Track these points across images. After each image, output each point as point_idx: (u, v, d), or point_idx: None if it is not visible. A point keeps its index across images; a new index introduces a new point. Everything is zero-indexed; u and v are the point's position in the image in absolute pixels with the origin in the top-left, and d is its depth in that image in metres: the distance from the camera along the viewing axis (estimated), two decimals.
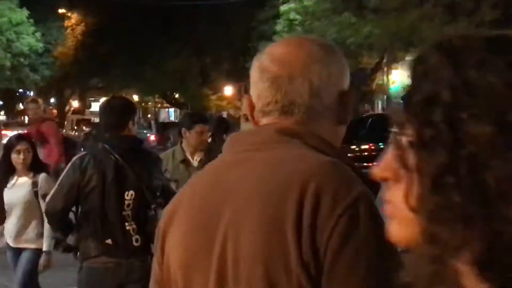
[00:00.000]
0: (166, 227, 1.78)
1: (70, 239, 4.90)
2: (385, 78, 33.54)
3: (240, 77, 41.78)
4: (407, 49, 30.55)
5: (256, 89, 1.80)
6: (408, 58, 31.68)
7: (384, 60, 32.34)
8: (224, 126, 7.68)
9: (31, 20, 38.61)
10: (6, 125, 49.87)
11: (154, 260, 1.80)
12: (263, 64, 1.78)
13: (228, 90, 45.04)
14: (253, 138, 1.74)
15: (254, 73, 1.81)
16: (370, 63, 32.87)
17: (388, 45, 29.79)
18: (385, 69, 32.94)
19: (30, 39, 39.28)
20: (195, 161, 6.07)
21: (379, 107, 39.13)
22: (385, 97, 35.98)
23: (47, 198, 4.73)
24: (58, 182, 4.73)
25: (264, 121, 1.77)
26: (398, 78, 35.00)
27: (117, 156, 4.70)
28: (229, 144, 1.80)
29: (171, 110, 61.02)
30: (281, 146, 1.68)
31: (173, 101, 51.92)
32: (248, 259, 1.57)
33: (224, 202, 1.65)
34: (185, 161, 6.06)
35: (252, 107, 1.82)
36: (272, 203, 1.57)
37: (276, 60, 1.76)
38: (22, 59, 39.06)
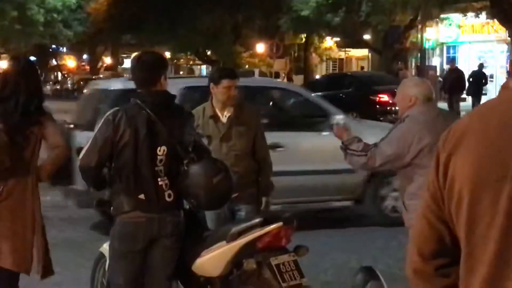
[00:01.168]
0: (452, 150, 1.96)
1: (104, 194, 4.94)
2: (419, 35, 33.13)
3: (273, 35, 41.57)
4: (441, 6, 30.17)
5: None
6: (443, 15, 31.35)
7: (418, 18, 31.94)
8: None
9: None
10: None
11: (430, 178, 2.02)
12: None
13: (260, 48, 44.82)
14: None
15: None
16: (404, 21, 32.48)
17: (422, 2, 29.42)
18: (419, 26, 32.53)
19: None
20: (224, 117, 6.03)
21: (412, 65, 38.78)
22: (419, 55, 35.59)
23: (81, 154, 4.75)
24: (91, 138, 4.75)
25: None
26: (433, 35, 34.63)
27: (149, 112, 4.70)
28: None
29: (203, 67, 60.96)
30: None
31: (205, 58, 51.78)
32: None
33: None
34: (214, 117, 6.03)
35: None
36: None
37: None
38: (55, 15, 39.19)
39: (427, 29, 33.05)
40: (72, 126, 9.67)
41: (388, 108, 21.75)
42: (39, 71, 5.67)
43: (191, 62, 62.07)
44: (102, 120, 4.74)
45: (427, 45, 34.73)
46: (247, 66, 47.42)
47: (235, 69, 6.67)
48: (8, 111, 5.06)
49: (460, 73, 27.25)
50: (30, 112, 5.09)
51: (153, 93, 4.77)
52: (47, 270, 5.21)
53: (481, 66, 28.55)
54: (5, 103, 5.09)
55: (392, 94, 23.13)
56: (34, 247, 5.14)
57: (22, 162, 5.08)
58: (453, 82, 26.29)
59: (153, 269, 4.88)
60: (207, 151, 5.03)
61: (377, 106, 22.67)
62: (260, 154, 6.12)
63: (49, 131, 5.18)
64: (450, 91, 26.48)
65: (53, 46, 56.06)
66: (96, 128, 4.76)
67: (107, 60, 67.81)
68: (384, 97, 22.62)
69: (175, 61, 58.54)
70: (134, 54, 49.38)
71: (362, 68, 46.59)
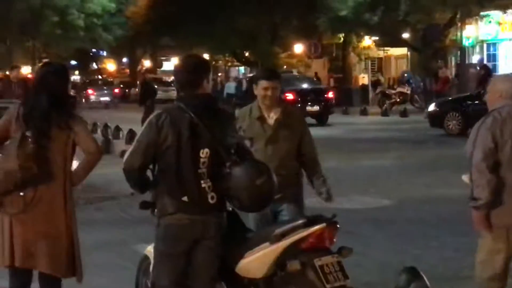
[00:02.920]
0: None
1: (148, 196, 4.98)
2: (458, 33, 32.83)
3: (310, 35, 41.48)
4: (481, 3, 29.90)
5: None
6: (482, 12, 31.11)
7: (458, 15, 31.68)
8: None
9: None
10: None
11: None
12: None
13: (298, 48, 44.75)
14: None
15: None
16: (443, 18, 32.25)
17: (462, 0, 29.20)
18: (459, 24, 32.24)
19: None
20: (271, 118, 6.01)
21: (452, 63, 38.45)
22: (458, 53, 35.27)
23: (125, 156, 4.80)
24: (135, 140, 4.79)
25: None
26: (472, 33, 34.30)
27: (192, 114, 4.73)
28: None
29: (241, 68, 61.03)
30: None
31: (244, 59, 51.86)
32: None
33: None
34: (261, 118, 6.02)
35: None
36: None
37: None
38: (95, 19, 39.57)
39: (467, 26, 32.74)
40: None
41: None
42: (69, 76, 5.68)
43: (229, 64, 62.18)
44: (146, 123, 4.78)
45: (466, 43, 34.40)
46: (285, 66, 47.32)
47: (276, 71, 6.62)
48: (35, 116, 5.12)
49: (487, 70, 27.33)
50: (58, 117, 5.15)
51: (196, 96, 4.81)
52: (80, 273, 5.27)
53: None
54: (33, 108, 5.15)
55: (297, 92, 27.09)
56: (69, 250, 5.20)
57: (52, 167, 5.14)
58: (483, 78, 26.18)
59: (197, 271, 4.90)
60: (250, 153, 5.05)
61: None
62: (310, 156, 6.09)
63: (80, 137, 5.23)
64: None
65: (94, 50, 56.54)
66: (140, 131, 4.81)
67: (147, 63, 68.19)
68: (290, 95, 26.61)
69: (213, 62, 58.69)
70: (173, 57, 49.82)
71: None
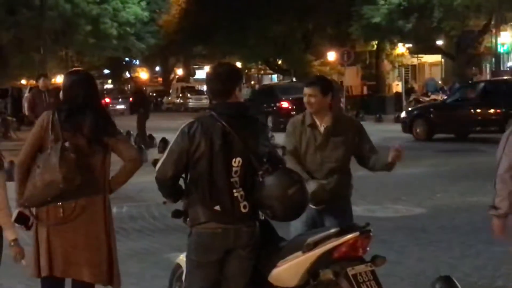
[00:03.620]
0: None
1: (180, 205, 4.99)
2: (493, 40, 32.57)
3: (343, 42, 41.41)
4: None
5: None
6: None
7: (492, 22, 31.43)
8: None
9: None
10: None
11: None
12: None
13: (331, 56, 44.68)
14: None
15: None
16: (477, 25, 32.03)
17: (496, 6, 28.96)
18: (494, 30, 31.98)
19: (135, 8, 39.97)
20: (322, 126, 5.99)
21: (487, 70, 38.13)
22: (493, 59, 34.98)
23: (157, 165, 4.80)
24: (167, 149, 4.79)
25: None
26: (507, 39, 34.00)
27: (224, 123, 4.73)
28: None
29: (274, 76, 61.06)
30: None
31: (276, 67, 51.91)
32: None
33: None
34: (312, 125, 6.00)
35: None
36: None
37: None
38: (128, 28, 39.81)
39: (501, 33, 32.45)
40: None
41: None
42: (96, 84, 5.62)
43: (262, 72, 62.26)
44: (178, 132, 4.78)
45: (501, 49, 34.11)
46: (317, 74, 47.29)
47: (319, 78, 6.59)
48: (75, 127, 5.09)
49: None
50: (98, 126, 5.13)
51: (228, 104, 4.79)
52: (118, 281, 5.28)
53: None
54: (72, 118, 5.11)
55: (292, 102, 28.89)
56: (108, 258, 5.21)
57: (93, 177, 5.12)
58: None
59: (229, 280, 4.89)
60: (282, 162, 5.03)
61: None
62: (372, 153, 6.02)
63: (121, 145, 5.22)
64: None
65: (126, 58, 56.90)
66: (173, 140, 4.81)
67: (179, 72, 68.52)
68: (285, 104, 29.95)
69: (246, 70, 58.79)
70: (205, 65, 50.10)
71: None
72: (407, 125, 24.67)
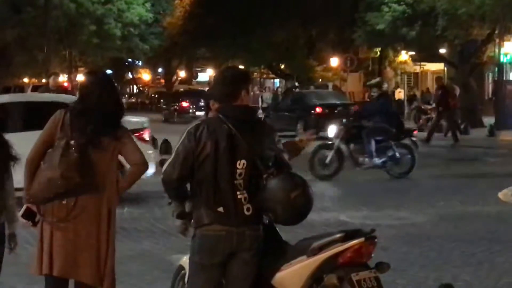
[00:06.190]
0: None
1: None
2: (496, 50, 32.54)
3: (347, 48, 41.41)
4: None
5: None
6: None
7: (496, 31, 31.41)
8: None
9: None
10: None
11: None
12: None
13: (334, 61, 44.70)
14: None
15: None
16: (481, 35, 31.99)
17: (500, 16, 28.94)
18: (497, 40, 31.95)
19: (140, 9, 39.96)
20: None
21: (489, 80, 38.12)
22: (496, 69, 34.95)
23: (164, 167, 4.79)
24: (174, 151, 4.78)
25: None
26: (511, 49, 33.96)
27: (230, 125, 4.72)
28: None
29: (277, 80, 61.07)
30: None
31: (279, 72, 51.93)
32: None
33: None
34: None
35: None
36: None
37: None
38: (132, 29, 39.79)
39: (505, 43, 32.42)
40: None
41: None
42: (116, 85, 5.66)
43: (264, 76, 62.27)
44: (185, 133, 4.77)
45: (504, 59, 34.07)
46: (320, 80, 47.31)
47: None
48: (82, 125, 5.09)
49: None
50: (106, 127, 5.13)
51: (235, 107, 4.79)
52: (109, 284, 5.25)
53: None
54: (80, 116, 5.12)
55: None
56: (108, 260, 5.19)
57: (95, 177, 5.11)
58: None
59: (232, 283, 4.87)
60: (288, 166, 5.01)
61: None
62: None
63: (127, 148, 5.21)
64: None
65: (129, 59, 56.87)
66: (179, 142, 4.79)
67: (182, 74, 68.51)
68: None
69: None
70: (208, 68, 50.21)
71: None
72: None
